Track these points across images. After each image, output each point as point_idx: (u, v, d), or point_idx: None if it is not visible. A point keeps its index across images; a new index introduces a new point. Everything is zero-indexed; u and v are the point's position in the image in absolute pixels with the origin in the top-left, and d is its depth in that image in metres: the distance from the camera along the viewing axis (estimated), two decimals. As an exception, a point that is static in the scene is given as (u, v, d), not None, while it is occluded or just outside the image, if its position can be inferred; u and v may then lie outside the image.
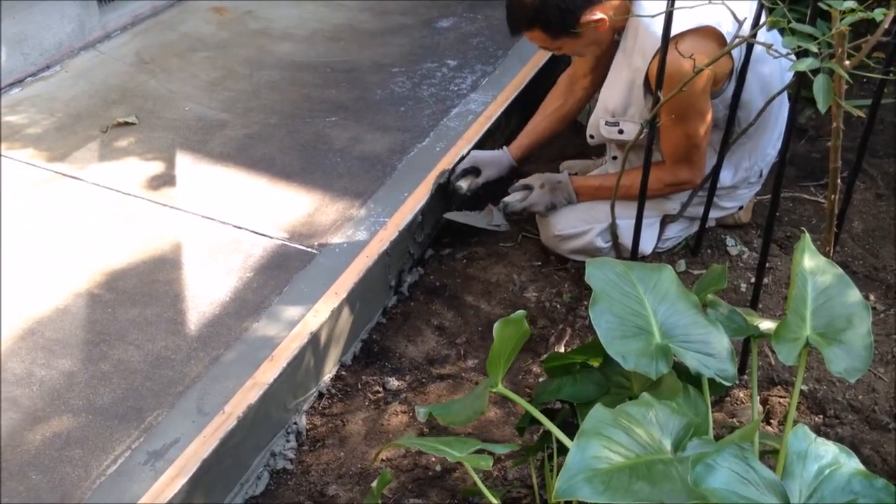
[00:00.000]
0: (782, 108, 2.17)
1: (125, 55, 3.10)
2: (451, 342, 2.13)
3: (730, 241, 2.35)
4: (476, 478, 1.34)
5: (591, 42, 2.02)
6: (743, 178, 2.20)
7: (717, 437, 1.25)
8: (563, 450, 1.49)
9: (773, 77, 2.03)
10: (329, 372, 2.02)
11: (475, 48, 3.21)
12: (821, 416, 1.88)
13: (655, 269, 1.39)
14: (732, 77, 1.98)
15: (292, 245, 2.19)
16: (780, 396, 1.91)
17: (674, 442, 1.11)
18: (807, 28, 1.38)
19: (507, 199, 2.29)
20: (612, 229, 2.17)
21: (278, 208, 2.33)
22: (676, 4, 1.61)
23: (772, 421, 1.86)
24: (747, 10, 1.85)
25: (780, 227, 2.41)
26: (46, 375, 1.80)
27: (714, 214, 2.27)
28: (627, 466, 1.04)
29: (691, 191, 2.20)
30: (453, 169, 2.40)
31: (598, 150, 2.72)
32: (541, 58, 3.09)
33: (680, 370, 1.33)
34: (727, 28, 1.87)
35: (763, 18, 1.83)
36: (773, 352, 2.03)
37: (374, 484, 1.71)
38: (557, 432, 1.27)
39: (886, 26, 1.29)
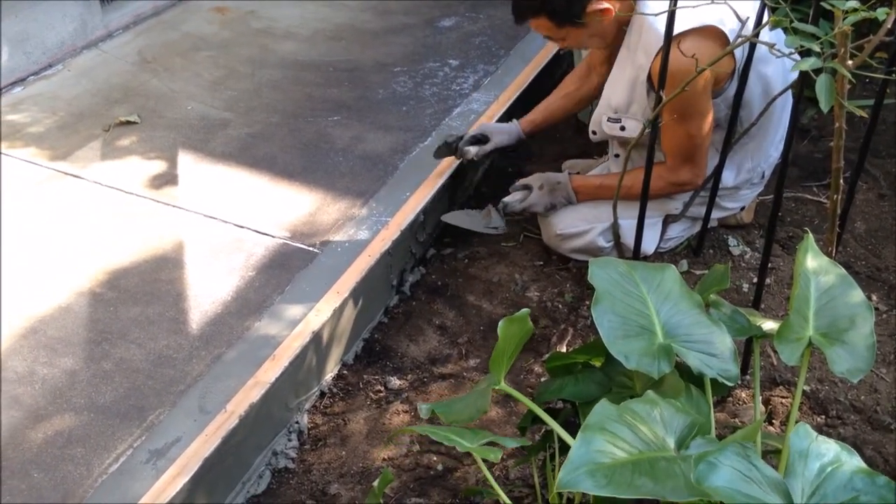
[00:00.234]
0: (785, 109, 2.16)
1: (127, 54, 3.10)
2: (452, 342, 2.13)
3: (732, 241, 2.35)
4: (485, 470, 1.34)
5: (595, 33, 2.01)
6: (745, 178, 2.20)
7: (720, 437, 1.25)
8: (564, 449, 1.49)
9: (775, 78, 2.03)
10: (331, 371, 2.02)
11: (477, 48, 3.21)
12: (823, 417, 1.87)
13: (659, 268, 1.39)
14: (734, 77, 1.98)
15: (294, 244, 2.19)
16: (782, 397, 1.91)
17: (677, 440, 1.11)
18: (809, 27, 1.38)
19: (506, 199, 2.29)
20: (614, 229, 2.17)
21: (280, 207, 2.33)
22: (679, 3, 1.61)
23: (774, 421, 1.86)
24: (750, 10, 1.86)
25: (783, 227, 2.41)
26: (48, 374, 1.80)
27: (716, 214, 2.27)
28: (630, 462, 1.05)
29: (693, 191, 2.20)
30: (461, 136, 2.38)
31: (600, 150, 2.72)
32: (543, 57, 3.09)
33: (682, 370, 1.33)
34: (730, 27, 1.87)
35: (766, 18, 1.83)
36: (774, 352, 2.03)
37: (375, 483, 1.71)
38: (560, 431, 1.27)
39: (889, 26, 1.29)
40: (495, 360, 1.38)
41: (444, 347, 2.11)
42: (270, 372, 1.80)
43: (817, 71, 1.31)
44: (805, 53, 1.41)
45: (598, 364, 1.52)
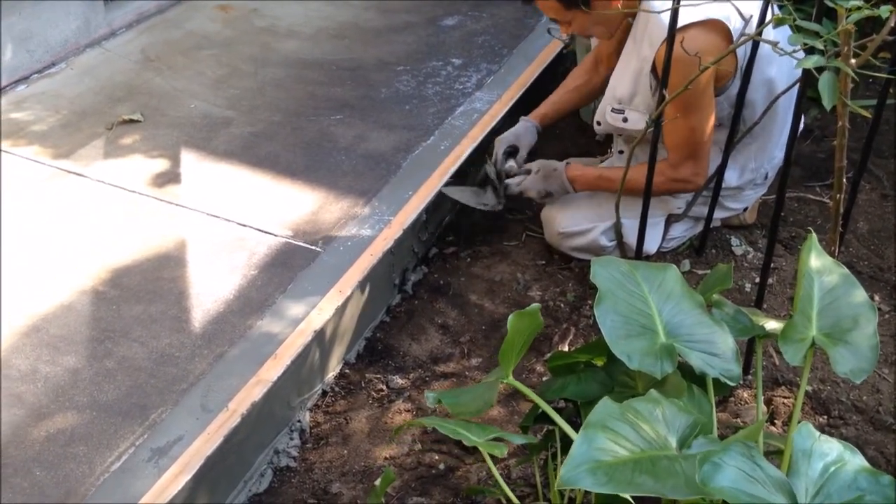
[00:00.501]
0: (789, 111, 2.16)
1: (130, 52, 3.10)
2: (454, 341, 2.13)
3: (734, 241, 2.35)
4: (492, 465, 1.34)
5: (600, 21, 2.01)
6: (749, 179, 2.20)
7: (722, 437, 1.25)
8: (566, 448, 1.49)
9: (779, 78, 2.03)
10: (333, 370, 2.03)
11: (480, 47, 3.20)
12: (825, 417, 1.87)
13: (660, 268, 1.39)
14: (737, 75, 1.98)
15: (297, 243, 2.19)
16: (784, 397, 1.91)
17: (679, 439, 1.11)
18: (813, 25, 1.38)
19: (508, 180, 2.29)
20: (617, 228, 2.16)
21: (283, 206, 2.33)
22: (683, 1, 1.61)
23: (776, 421, 1.86)
24: (755, 9, 1.85)
25: (785, 227, 2.40)
26: (51, 372, 1.80)
27: (719, 215, 2.26)
28: (632, 460, 1.05)
29: (694, 191, 2.19)
30: (493, 160, 2.35)
31: (603, 149, 2.72)
32: (546, 56, 3.09)
33: (684, 370, 1.33)
34: (735, 22, 1.87)
35: (769, 16, 1.83)
36: (776, 352, 2.03)
37: (377, 482, 1.71)
38: (566, 426, 1.27)
39: (893, 25, 1.28)
40: (504, 354, 1.38)
41: (446, 346, 2.11)
42: (273, 370, 1.80)
43: (820, 69, 1.30)
44: (809, 52, 1.41)
45: (600, 363, 1.52)
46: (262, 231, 2.23)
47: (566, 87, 2.45)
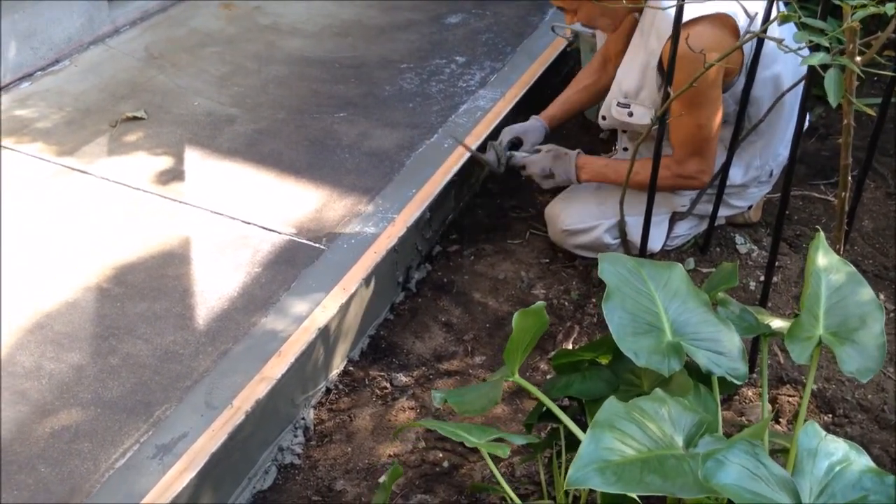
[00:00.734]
0: (794, 108, 2.15)
1: (134, 50, 3.10)
2: (458, 339, 2.12)
3: (739, 239, 2.34)
4: (493, 466, 1.34)
5: (606, 13, 2.00)
6: (753, 177, 2.19)
7: (727, 436, 1.25)
8: (571, 446, 1.49)
9: (785, 75, 2.02)
10: (337, 367, 2.03)
11: (484, 44, 3.20)
12: (830, 416, 1.87)
13: (666, 266, 1.38)
14: (743, 71, 1.97)
15: (300, 240, 2.19)
16: (789, 395, 1.91)
17: (685, 438, 1.11)
18: (818, 23, 1.38)
19: (515, 152, 2.28)
20: (621, 226, 2.16)
21: (286, 204, 2.33)
22: None
23: (780, 420, 1.85)
24: (760, 7, 1.85)
25: (790, 225, 2.40)
26: (55, 369, 1.80)
27: (724, 212, 2.26)
28: (639, 460, 1.04)
29: (699, 189, 2.19)
30: (498, 142, 2.34)
31: (607, 147, 2.71)
32: (550, 55, 3.08)
33: (689, 368, 1.32)
34: (742, 20, 1.87)
35: (774, 13, 1.82)
36: (781, 350, 2.03)
37: (382, 479, 1.71)
38: (572, 425, 1.27)
39: (899, 22, 1.28)
40: (510, 352, 1.38)
41: (449, 344, 2.11)
42: (277, 368, 1.80)
43: (825, 67, 1.30)
44: (814, 49, 1.41)
45: (605, 362, 1.52)
46: (265, 229, 2.23)
47: (575, 86, 2.44)
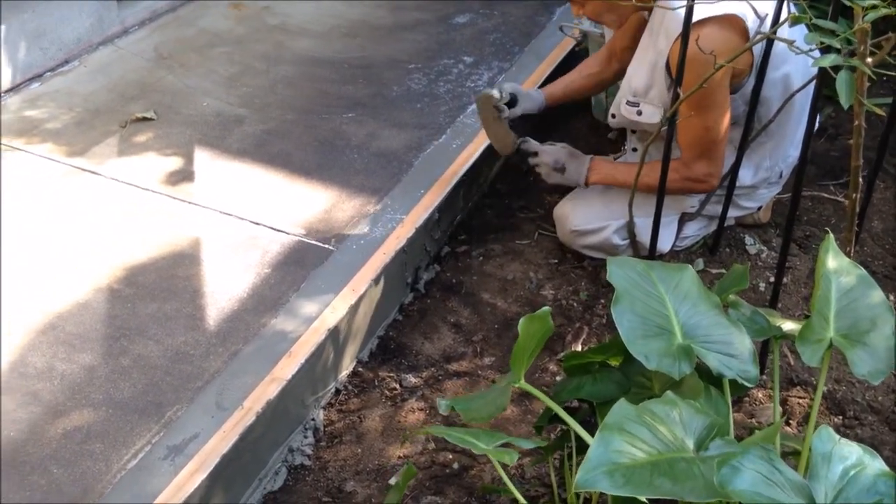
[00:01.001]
0: (805, 109, 2.14)
1: (143, 50, 3.11)
2: (467, 339, 2.13)
3: (749, 240, 2.34)
4: (501, 471, 1.34)
5: (613, 9, 2.00)
6: (763, 178, 2.19)
7: (738, 438, 1.25)
8: (582, 449, 1.49)
9: (794, 75, 2.02)
10: (346, 368, 2.03)
11: (492, 44, 3.20)
12: (840, 417, 1.87)
13: (677, 268, 1.38)
14: (753, 72, 1.97)
15: (309, 241, 2.20)
16: (800, 397, 1.91)
17: (696, 441, 1.11)
18: (829, 24, 1.38)
19: (530, 139, 2.28)
20: (630, 227, 2.16)
21: (295, 204, 2.33)
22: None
23: (791, 422, 1.85)
24: (770, 7, 1.85)
25: (800, 226, 2.39)
26: (67, 370, 1.81)
27: (733, 213, 2.26)
28: (649, 463, 1.05)
29: (708, 192, 2.18)
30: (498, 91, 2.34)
31: (615, 147, 2.71)
32: (557, 55, 3.08)
33: (699, 370, 1.32)
34: (751, 20, 1.86)
35: (785, 14, 1.82)
36: (791, 352, 2.02)
37: (395, 479, 1.72)
38: (580, 430, 1.27)
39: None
40: (516, 358, 1.38)
41: (458, 345, 2.11)
42: (287, 369, 1.81)
43: (836, 68, 1.30)
44: (825, 51, 1.41)
45: (615, 364, 1.52)
46: (275, 229, 2.23)
47: (579, 72, 2.44)
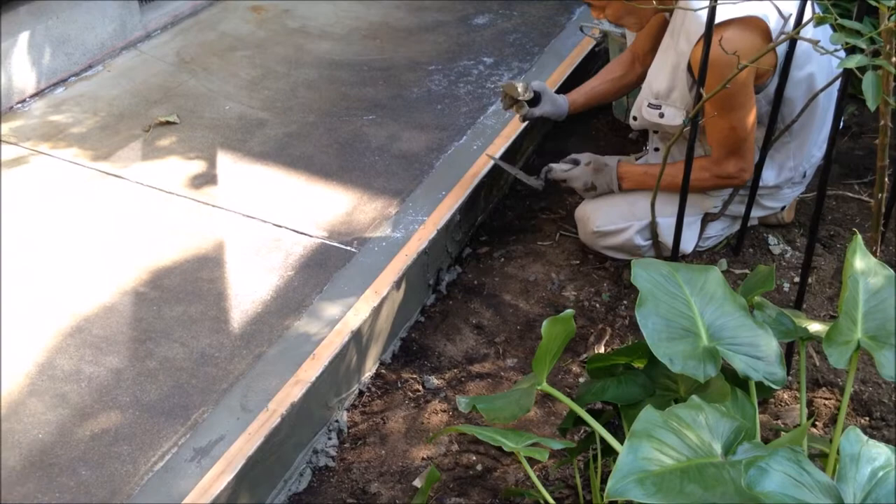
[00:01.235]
0: (829, 109, 2.13)
1: (166, 54, 3.14)
2: (489, 341, 2.13)
3: (772, 240, 2.32)
4: (529, 470, 1.34)
5: (633, 11, 2.00)
6: (787, 178, 2.17)
7: (764, 440, 1.24)
8: (607, 451, 1.49)
9: (819, 76, 2.00)
10: (369, 370, 2.04)
11: (512, 45, 3.20)
12: (867, 419, 1.85)
13: (702, 270, 1.38)
14: (776, 72, 1.96)
15: (332, 243, 2.21)
16: (825, 398, 1.89)
17: (724, 445, 1.10)
18: (854, 24, 1.37)
19: (553, 164, 2.28)
20: (653, 227, 2.15)
21: (317, 207, 2.34)
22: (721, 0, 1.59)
23: (817, 423, 1.84)
24: (793, 8, 1.83)
25: (824, 225, 2.38)
26: (94, 372, 1.83)
27: (756, 213, 2.24)
28: (679, 469, 1.04)
29: (732, 189, 2.17)
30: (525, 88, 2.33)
31: (637, 147, 2.70)
32: (578, 55, 3.08)
33: (724, 371, 1.32)
34: (774, 20, 1.85)
35: (808, 14, 1.81)
36: (816, 352, 2.01)
37: (418, 482, 1.72)
38: (606, 435, 1.27)
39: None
40: (538, 360, 1.38)
41: (481, 347, 2.12)
42: (311, 370, 1.82)
43: (863, 69, 1.29)
44: (850, 51, 1.40)
45: (640, 366, 1.51)
46: (297, 232, 2.24)
47: (602, 77, 2.44)
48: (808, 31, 1.93)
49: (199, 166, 2.51)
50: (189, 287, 2.06)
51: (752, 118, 1.96)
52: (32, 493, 1.59)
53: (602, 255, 2.31)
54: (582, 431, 1.79)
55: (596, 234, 2.26)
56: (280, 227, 2.26)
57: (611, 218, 2.23)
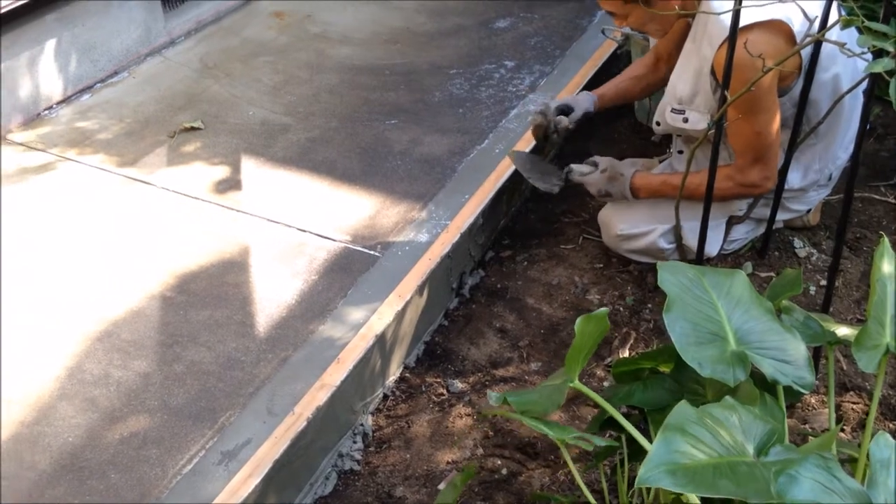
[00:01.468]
0: (854, 110, 2.11)
1: (189, 61, 3.17)
2: (513, 345, 2.13)
3: (798, 243, 2.31)
4: (572, 466, 1.35)
5: (656, 18, 1.99)
6: (812, 180, 2.16)
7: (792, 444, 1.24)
8: (634, 455, 1.49)
9: (843, 77, 1.99)
10: (393, 374, 2.05)
11: (533, 48, 3.20)
12: (895, 423, 1.83)
13: (728, 274, 1.37)
14: (801, 75, 1.95)
15: (355, 248, 2.22)
16: (853, 402, 1.88)
17: (757, 447, 1.10)
18: (881, 27, 1.36)
19: (574, 166, 2.28)
20: (676, 231, 2.14)
21: (341, 211, 2.36)
22: (745, 2, 1.59)
23: (845, 428, 1.82)
24: (818, 9, 1.82)
25: (850, 228, 2.36)
26: (123, 376, 1.85)
27: (782, 216, 2.23)
28: (711, 465, 1.04)
29: (762, 195, 2.16)
30: (543, 110, 2.34)
31: (660, 150, 2.69)
32: (599, 58, 3.07)
33: (752, 376, 1.31)
34: (798, 23, 1.84)
35: (833, 16, 1.80)
36: (844, 356, 1.99)
37: (442, 485, 1.73)
38: (637, 434, 1.27)
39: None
40: (571, 358, 1.38)
41: (504, 350, 2.12)
42: (336, 374, 1.83)
43: (891, 72, 1.28)
44: (877, 53, 1.39)
45: (666, 370, 1.51)
46: (321, 236, 2.26)
47: (627, 75, 2.43)
48: (834, 33, 1.92)
49: (223, 171, 2.53)
50: (215, 291, 2.08)
51: (776, 123, 1.95)
52: (63, 496, 1.61)
53: (625, 258, 2.31)
54: (607, 435, 1.78)
55: (619, 237, 2.26)
56: (304, 231, 2.28)
57: (634, 221, 2.23)
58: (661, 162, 2.38)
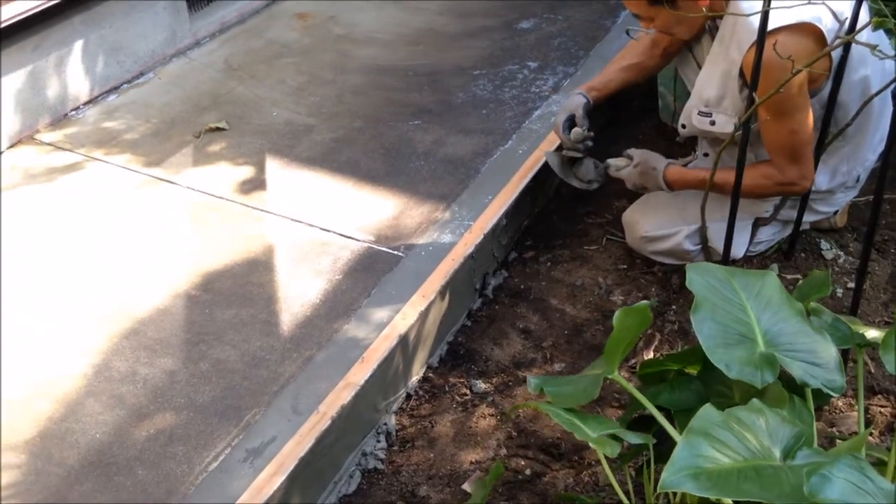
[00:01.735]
0: (883, 112, 2.09)
1: (214, 62, 3.19)
2: (536, 345, 2.13)
3: (825, 245, 2.29)
4: (605, 464, 1.34)
5: (683, 20, 1.98)
6: (840, 182, 2.14)
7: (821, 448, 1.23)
8: (660, 457, 1.48)
9: (873, 78, 1.97)
10: (417, 374, 2.05)
11: (556, 49, 3.20)
12: (925, 427, 1.82)
13: (758, 275, 1.36)
14: (830, 76, 1.93)
15: (379, 248, 2.22)
16: (881, 406, 1.86)
17: (783, 450, 1.09)
18: (914, 27, 1.34)
19: (611, 160, 2.28)
20: (702, 232, 2.13)
21: (364, 211, 2.36)
22: (774, 4, 1.58)
23: (873, 431, 1.80)
24: (848, 9, 1.81)
25: (878, 229, 2.33)
26: (149, 374, 1.87)
27: (809, 218, 2.21)
28: (735, 469, 1.04)
29: (801, 194, 2.13)
30: (560, 147, 2.34)
31: (684, 151, 2.68)
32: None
33: (780, 378, 1.30)
34: (828, 24, 1.82)
35: (862, 17, 1.78)
36: (872, 359, 1.97)
37: (467, 485, 1.73)
38: (671, 429, 1.27)
39: None
40: (610, 350, 1.37)
41: (528, 351, 2.11)
42: (360, 374, 1.83)
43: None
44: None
45: (692, 372, 1.50)
46: (344, 236, 2.27)
47: (617, 63, 2.40)
48: (864, 35, 1.90)
49: (248, 172, 2.55)
50: (240, 290, 2.09)
51: (809, 122, 1.93)
52: (91, 492, 1.62)
53: (650, 259, 2.30)
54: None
55: (644, 239, 2.25)
56: (328, 231, 2.29)
57: (659, 223, 2.21)
58: (685, 165, 2.37)
